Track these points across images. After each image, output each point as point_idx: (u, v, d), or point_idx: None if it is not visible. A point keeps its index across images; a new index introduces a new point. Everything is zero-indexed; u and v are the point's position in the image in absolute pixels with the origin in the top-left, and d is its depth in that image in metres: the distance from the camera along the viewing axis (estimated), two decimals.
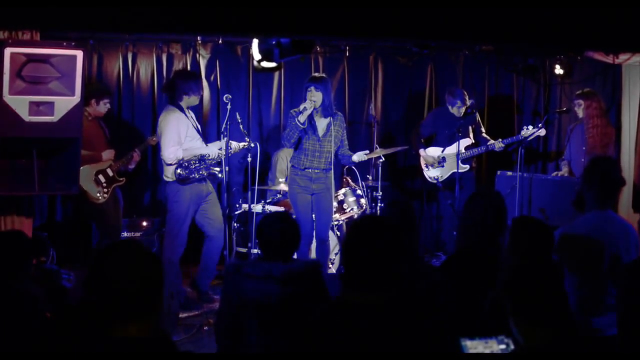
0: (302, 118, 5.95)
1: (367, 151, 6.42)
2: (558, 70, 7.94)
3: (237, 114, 6.27)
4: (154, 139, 6.55)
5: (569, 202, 4.30)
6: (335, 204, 6.65)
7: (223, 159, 6.01)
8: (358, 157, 6.32)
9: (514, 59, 8.17)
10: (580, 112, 7.00)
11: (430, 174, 7.43)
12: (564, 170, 7.27)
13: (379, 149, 7.19)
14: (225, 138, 6.03)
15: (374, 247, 2.48)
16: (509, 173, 7.02)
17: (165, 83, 7.05)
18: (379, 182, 7.03)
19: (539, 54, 8.07)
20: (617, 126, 7.64)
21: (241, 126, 6.24)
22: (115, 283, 2.25)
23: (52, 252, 6.31)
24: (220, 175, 6.15)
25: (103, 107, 6.44)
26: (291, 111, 6.20)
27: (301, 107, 5.97)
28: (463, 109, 7.23)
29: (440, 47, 7.91)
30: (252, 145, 6.30)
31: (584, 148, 6.95)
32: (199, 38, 7.31)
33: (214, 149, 6.17)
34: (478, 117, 7.41)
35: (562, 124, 8.17)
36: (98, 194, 6.34)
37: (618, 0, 4.40)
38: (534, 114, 8.34)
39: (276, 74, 7.68)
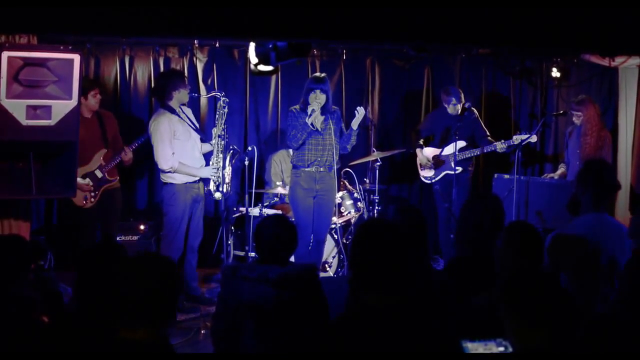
0: (310, 120, 5.98)
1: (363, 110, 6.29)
2: (555, 73, 7.94)
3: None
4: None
5: (565, 206, 4.31)
6: (334, 205, 6.64)
7: (221, 174, 6.06)
8: (356, 119, 6.21)
9: (510, 62, 8.17)
10: (578, 122, 7.01)
11: (424, 174, 7.46)
12: (557, 173, 7.28)
13: (376, 152, 7.20)
14: (215, 156, 6.08)
15: (383, 249, 2.51)
16: (506, 176, 7.03)
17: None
18: (376, 185, 7.04)
19: (535, 57, 8.07)
20: (613, 129, 7.66)
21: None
22: (133, 289, 2.31)
23: (49, 255, 6.29)
24: (219, 190, 6.16)
25: (92, 100, 6.25)
26: (292, 108, 6.20)
27: (309, 110, 5.98)
28: (459, 106, 7.23)
29: (437, 50, 7.91)
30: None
31: (578, 151, 6.97)
32: (196, 42, 7.31)
33: (208, 173, 6.15)
34: (479, 120, 7.39)
35: (559, 126, 8.18)
36: (84, 200, 6.24)
37: (614, 3, 4.41)
38: (531, 116, 8.34)
39: (273, 77, 7.69)
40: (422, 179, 7.49)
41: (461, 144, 7.21)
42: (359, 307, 2.54)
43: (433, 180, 7.37)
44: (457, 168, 7.17)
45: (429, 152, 7.43)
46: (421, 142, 7.53)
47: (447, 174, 7.20)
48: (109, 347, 2.35)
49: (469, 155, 7.20)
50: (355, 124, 6.22)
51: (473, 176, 7.50)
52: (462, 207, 3.87)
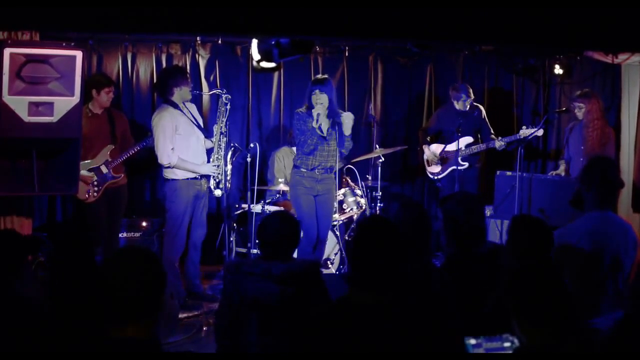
0: (316, 124, 5.91)
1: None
2: (557, 70, 7.94)
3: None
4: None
5: (569, 201, 4.30)
6: (334, 204, 6.64)
7: (222, 171, 6.04)
8: (345, 125, 6.00)
9: (513, 59, 8.17)
10: (580, 115, 6.98)
11: (431, 169, 7.45)
12: (561, 170, 7.27)
13: (378, 149, 7.20)
14: (216, 153, 6.07)
15: (383, 247, 2.51)
16: (509, 173, 7.01)
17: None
18: (379, 182, 7.04)
19: (538, 54, 8.07)
20: (616, 126, 7.64)
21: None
22: (117, 286, 2.28)
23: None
24: (219, 187, 6.14)
25: (105, 96, 6.22)
26: (298, 110, 6.15)
27: (314, 114, 5.92)
28: (468, 102, 7.23)
29: (440, 48, 7.91)
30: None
31: (582, 147, 6.94)
32: (198, 38, 7.31)
33: (209, 170, 6.14)
34: (486, 118, 7.39)
35: (561, 123, 8.17)
36: (87, 194, 6.22)
37: (617, 0, 4.40)
38: (534, 113, 8.34)
39: (275, 74, 7.68)
40: (429, 175, 7.50)
41: (468, 139, 7.22)
42: (353, 305, 2.53)
43: (439, 176, 7.37)
44: (463, 164, 7.18)
45: (435, 148, 7.43)
46: (428, 138, 7.53)
47: (454, 170, 7.20)
48: (101, 347, 2.34)
49: (476, 150, 7.21)
50: (346, 131, 6.02)
51: (479, 173, 7.48)
52: (443, 206, 3.87)
